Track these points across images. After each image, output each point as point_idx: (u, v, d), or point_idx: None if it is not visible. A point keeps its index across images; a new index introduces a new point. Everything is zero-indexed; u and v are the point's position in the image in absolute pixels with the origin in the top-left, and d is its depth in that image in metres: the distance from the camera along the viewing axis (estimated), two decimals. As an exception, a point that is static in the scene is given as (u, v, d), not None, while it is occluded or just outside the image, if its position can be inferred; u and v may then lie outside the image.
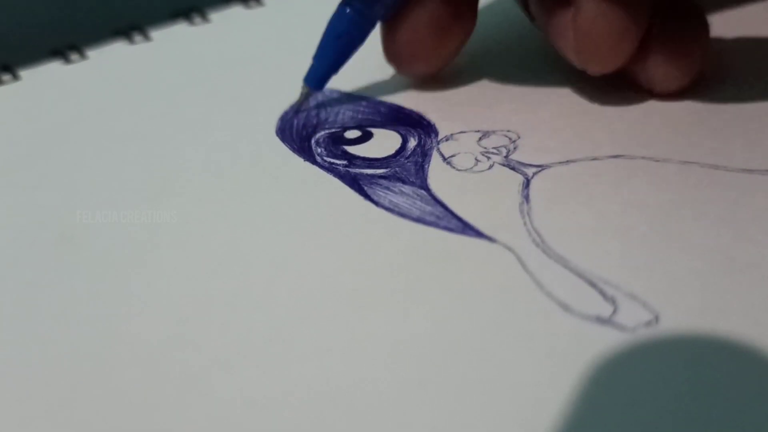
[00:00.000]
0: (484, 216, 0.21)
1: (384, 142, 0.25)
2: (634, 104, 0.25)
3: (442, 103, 0.26)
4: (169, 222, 0.22)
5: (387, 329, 0.18)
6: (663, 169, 0.22)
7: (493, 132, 0.24)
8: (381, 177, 0.23)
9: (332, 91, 0.27)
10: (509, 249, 0.20)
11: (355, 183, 0.23)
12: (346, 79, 0.26)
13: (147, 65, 0.30)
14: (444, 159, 0.24)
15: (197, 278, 0.20)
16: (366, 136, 0.25)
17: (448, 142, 0.24)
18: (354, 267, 0.20)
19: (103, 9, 0.34)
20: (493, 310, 0.19)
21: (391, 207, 0.22)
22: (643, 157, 0.23)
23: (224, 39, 0.31)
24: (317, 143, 0.25)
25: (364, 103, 0.26)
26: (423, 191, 0.22)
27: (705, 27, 0.24)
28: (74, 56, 0.30)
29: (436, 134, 0.25)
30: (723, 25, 0.26)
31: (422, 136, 0.25)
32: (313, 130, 0.25)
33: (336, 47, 0.25)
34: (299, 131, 0.25)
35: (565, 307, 0.18)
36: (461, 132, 0.24)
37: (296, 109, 0.26)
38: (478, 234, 0.21)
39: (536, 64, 0.27)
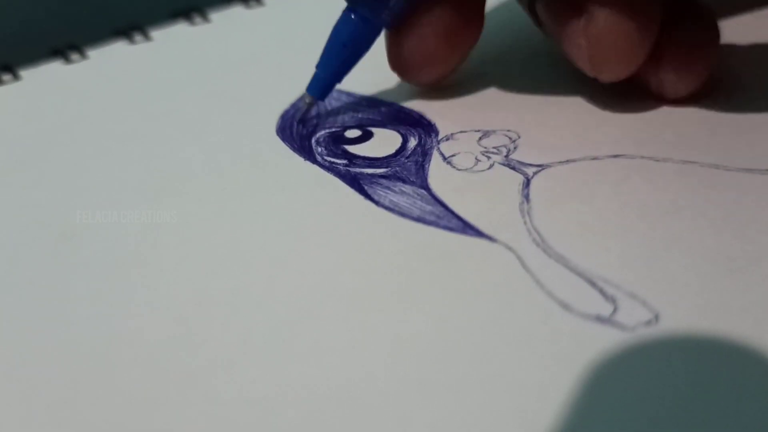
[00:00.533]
0: (484, 215, 0.21)
1: (384, 142, 0.25)
2: (634, 104, 0.25)
3: (443, 103, 0.26)
4: (169, 222, 0.22)
5: (387, 329, 0.18)
6: (663, 169, 0.22)
7: (494, 131, 0.24)
8: (381, 176, 0.23)
9: (333, 90, 0.27)
10: (509, 248, 0.20)
11: (356, 182, 0.23)
12: (347, 78, 0.26)
13: (147, 65, 0.30)
14: (444, 158, 0.24)
15: (197, 278, 0.20)
16: (366, 136, 0.25)
17: (449, 141, 0.24)
18: (354, 266, 0.20)
19: (104, 9, 0.34)
20: (493, 310, 0.19)
21: (392, 206, 0.22)
22: (642, 157, 0.23)
23: (225, 39, 0.31)
24: (317, 142, 0.25)
25: (364, 102, 0.26)
26: (423, 191, 0.22)
27: (716, 33, 0.24)
28: (75, 56, 0.30)
29: (437, 134, 0.25)
30: (724, 28, 0.26)
31: (422, 135, 0.25)
32: (313, 129, 0.25)
33: (341, 55, 0.25)
34: (299, 130, 0.25)
35: (566, 307, 0.18)
36: (461, 131, 0.24)
37: (299, 119, 0.26)
38: (479, 233, 0.21)
39: (536, 63, 0.27)
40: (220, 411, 0.17)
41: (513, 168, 0.23)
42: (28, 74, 0.29)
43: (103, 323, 0.19)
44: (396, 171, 0.23)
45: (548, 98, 0.25)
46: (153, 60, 0.30)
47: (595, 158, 0.23)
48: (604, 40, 0.22)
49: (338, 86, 0.27)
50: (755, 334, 0.17)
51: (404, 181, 0.23)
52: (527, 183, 0.22)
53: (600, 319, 0.18)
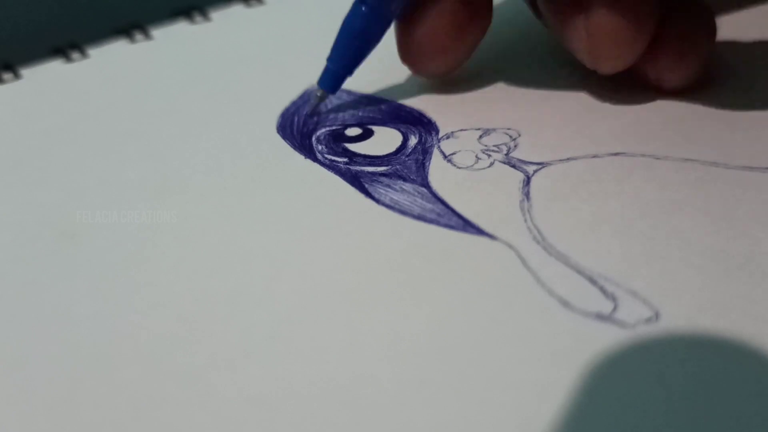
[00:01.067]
0: (484, 213, 0.21)
1: (385, 140, 0.25)
2: (634, 102, 0.25)
3: (443, 101, 0.26)
4: (169, 221, 0.22)
5: (387, 327, 0.18)
6: (663, 167, 0.22)
7: (494, 130, 0.24)
8: (382, 174, 0.23)
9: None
10: (510, 246, 0.20)
11: (356, 180, 0.23)
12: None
13: (148, 64, 0.30)
14: (445, 157, 0.24)
15: (198, 277, 0.20)
16: (367, 134, 0.25)
17: (449, 139, 0.24)
18: (354, 265, 0.20)
19: (105, 7, 0.34)
20: (494, 308, 0.19)
21: (392, 205, 0.22)
22: (643, 155, 0.23)
23: (225, 38, 0.31)
24: (318, 140, 0.25)
25: (364, 100, 0.26)
26: (424, 189, 0.22)
27: (712, 26, 0.24)
28: (75, 55, 0.30)
29: (437, 132, 0.25)
30: (723, 26, 0.26)
31: (423, 133, 0.25)
32: (314, 127, 0.25)
33: (352, 48, 0.25)
34: (300, 128, 0.25)
35: (566, 305, 0.18)
36: (462, 130, 0.24)
37: (310, 113, 0.26)
38: (479, 231, 0.21)
39: (537, 61, 0.27)
40: (221, 410, 0.17)
41: (513, 166, 0.23)
42: (29, 73, 0.29)
43: (103, 322, 0.19)
44: (396, 169, 0.23)
45: (549, 96, 0.25)
46: (153, 59, 0.30)
47: (595, 156, 0.23)
48: (603, 34, 0.23)
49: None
50: (755, 331, 0.17)
51: (405, 179, 0.23)
52: (527, 181, 0.22)
53: (600, 316, 0.18)
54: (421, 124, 0.25)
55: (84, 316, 0.19)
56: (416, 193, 0.22)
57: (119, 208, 0.23)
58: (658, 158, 0.23)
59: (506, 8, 0.29)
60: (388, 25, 0.25)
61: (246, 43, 0.30)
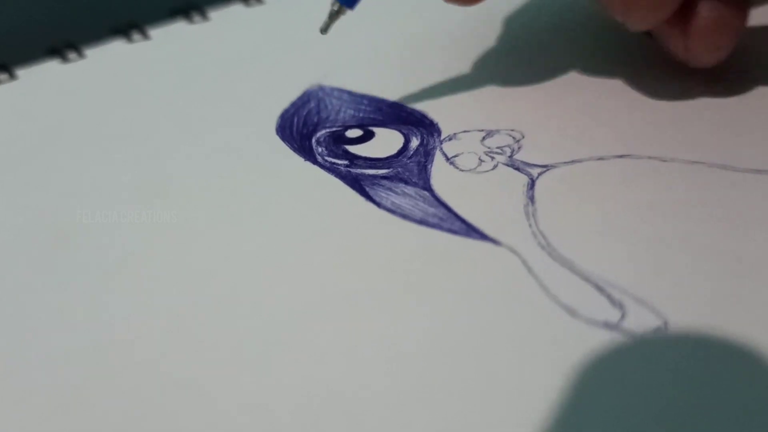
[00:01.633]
0: (488, 218, 0.21)
1: (386, 142, 0.24)
2: (640, 103, 0.24)
3: (445, 102, 0.25)
4: (167, 221, 0.22)
5: (388, 332, 0.18)
6: (670, 169, 0.22)
7: (497, 131, 0.24)
8: (383, 177, 0.23)
9: (333, 88, 0.27)
10: (514, 252, 0.20)
11: (357, 183, 0.23)
12: (347, 75, 0.26)
13: (146, 64, 0.29)
14: (447, 159, 0.23)
15: (195, 278, 0.20)
16: (367, 136, 0.25)
17: (451, 141, 0.24)
18: (355, 270, 0.20)
19: (101, 7, 0.33)
20: (498, 315, 0.18)
21: (394, 208, 0.22)
22: (649, 157, 0.22)
23: (224, 37, 0.30)
24: (318, 142, 0.24)
25: (365, 101, 0.26)
26: (426, 192, 0.22)
27: (746, 8, 0.24)
28: (72, 55, 0.30)
29: (439, 134, 0.24)
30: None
31: (425, 135, 0.24)
32: (313, 128, 0.25)
33: None
34: (299, 130, 0.25)
35: (572, 312, 0.18)
36: (464, 131, 0.24)
37: (323, 29, 0.24)
38: (483, 236, 0.20)
39: (541, 61, 0.27)
40: (218, 413, 0.17)
41: (517, 168, 0.22)
42: (25, 73, 0.29)
43: (101, 323, 0.19)
44: (398, 172, 0.23)
45: (553, 97, 0.25)
46: (152, 59, 0.30)
47: (600, 158, 0.22)
48: (707, 26, 0.22)
49: (338, 84, 0.26)
50: (765, 338, 0.17)
51: (406, 183, 0.22)
52: (532, 184, 0.22)
53: (608, 325, 0.18)
54: (423, 125, 0.25)
55: (81, 316, 0.19)
56: (418, 197, 0.22)
57: (117, 208, 0.22)
58: (664, 161, 0.22)
59: (513, 10, 0.28)
60: None
61: (245, 43, 0.30)
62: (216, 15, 0.32)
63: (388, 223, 0.21)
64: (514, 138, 0.23)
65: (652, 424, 0.16)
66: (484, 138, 0.24)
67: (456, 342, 0.18)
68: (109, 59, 0.30)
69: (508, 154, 0.23)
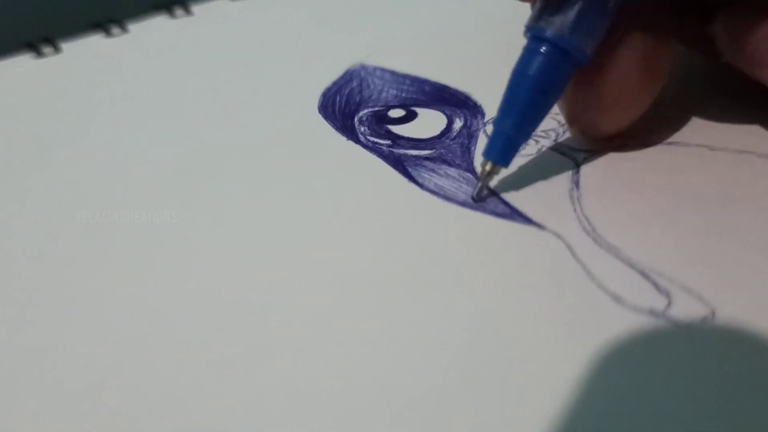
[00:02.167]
0: (532, 202, 0.21)
1: (429, 123, 0.24)
2: (689, 89, 0.24)
3: (489, 83, 0.25)
4: (207, 204, 0.22)
5: (430, 317, 0.18)
6: (718, 158, 0.21)
7: (542, 114, 0.24)
8: (426, 158, 0.23)
9: (375, 67, 0.27)
10: (559, 236, 0.19)
11: (399, 164, 0.22)
12: (390, 55, 0.25)
13: (188, 40, 0.29)
14: (491, 141, 0.23)
15: (236, 258, 0.20)
16: (410, 116, 0.24)
17: (495, 124, 0.23)
18: (397, 252, 0.20)
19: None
20: (541, 300, 0.18)
21: (437, 190, 0.21)
22: (698, 145, 0.22)
23: (267, 16, 0.30)
24: (360, 121, 0.24)
25: (408, 81, 0.26)
26: (469, 174, 0.22)
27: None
28: (115, 30, 0.30)
29: (483, 115, 0.24)
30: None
31: (468, 117, 0.24)
32: (356, 107, 0.25)
33: (528, 102, 0.20)
34: (342, 109, 0.25)
35: (617, 299, 0.18)
36: (509, 114, 0.24)
37: (476, 197, 0.21)
38: (527, 220, 0.20)
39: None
40: (258, 397, 0.16)
41: (562, 153, 0.22)
42: (68, 47, 0.29)
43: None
44: (441, 153, 0.23)
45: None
46: (194, 35, 0.30)
47: (647, 145, 0.22)
48: None
49: (381, 64, 0.26)
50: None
51: (449, 164, 0.22)
52: (577, 169, 0.22)
53: (653, 313, 0.17)
54: (467, 106, 0.24)
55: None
56: (461, 179, 0.22)
57: (156, 188, 0.22)
58: (713, 149, 0.22)
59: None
60: (574, 68, 0.20)
61: (289, 21, 0.30)
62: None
63: (431, 205, 0.21)
64: (559, 122, 0.23)
65: (696, 412, 0.16)
66: (528, 121, 0.23)
67: (499, 325, 0.17)
68: (151, 34, 0.30)
69: (553, 138, 0.23)
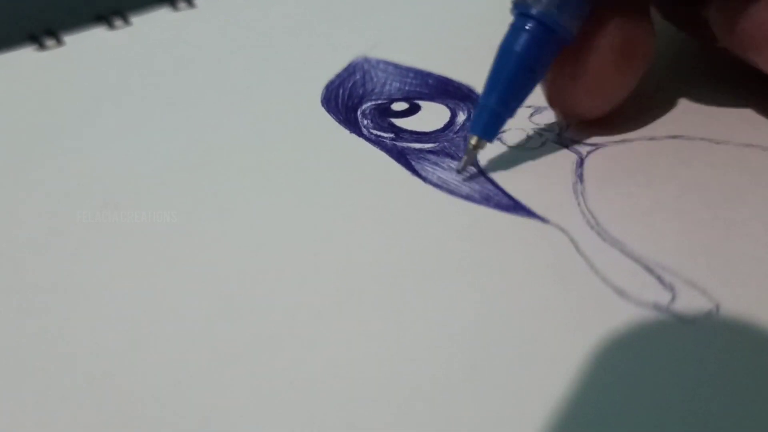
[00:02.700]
0: (535, 195, 0.21)
1: (432, 116, 0.24)
2: (694, 83, 0.24)
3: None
4: (209, 197, 0.22)
5: (434, 311, 0.18)
6: (723, 152, 0.21)
7: (546, 107, 0.23)
8: (429, 152, 0.22)
9: (378, 60, 0.26)
10: (562, 230, 0.19)
11: (402, 157, 0.22)
12: (392, 49, 0.25)
13: (192, 32, 0.29)
14: (494, 135, 0.23)
15: (239, 252, 0.20)
16: (413, 109, 0.24)
17: (499, 117, 0.23)
18: (400, 245, 0.20)
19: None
20: (545, 294, 0.18)
21: (440, 183, 0.21)
22: (702, 138, 0.22)
23: (268, 8, 0.30)
24: (363, 114, 0.24)
25: (411, 74, 0.26)
26: (472, 168, 0.22)
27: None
28: (118, 22, 0.30)
29: (486, 109, 0.24)
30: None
31: (472, 110, 0.24)
32: (359, 100, 0.25)
33: (513, 78, 0.20)
34: (345, 102, 0.25)
35: (621, 293, 0.18)
36: (512, 107, 0.24)
37: (460, 170, 0.21)
38: (530, 213, 0.20)
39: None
40: (268, 388, 0.16)
41: (566, 146, 0.22)
42: (71, 39, 0.29)
43: (150, 295, 0.19)
44: (444, 146, 0.23)
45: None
46: (197, 28, 0.29)
47: (652, 138, 0.22)
48: None
49: (384, 57, 0.26)
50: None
51: (453, 158, 0.22)
52: (581, 162, 0.21)
53: (658, 307, 0.17)
54: (471, 100, 0.24)
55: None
56: (465, 172, 0.22)
57: (160, 179, 0.22)
58: (718, 143, 0.22)
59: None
60: (559, 46, 0.20)
61: (292, 13, 0.30)
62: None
63: (434, 198, 0.21)
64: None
65: (700, 406, 0.15)
66: (532, 114, 0.23)
67: (502, 319, 0.17)
68: (153, 27, 0.29)
69: (557, 131, 0.23)
